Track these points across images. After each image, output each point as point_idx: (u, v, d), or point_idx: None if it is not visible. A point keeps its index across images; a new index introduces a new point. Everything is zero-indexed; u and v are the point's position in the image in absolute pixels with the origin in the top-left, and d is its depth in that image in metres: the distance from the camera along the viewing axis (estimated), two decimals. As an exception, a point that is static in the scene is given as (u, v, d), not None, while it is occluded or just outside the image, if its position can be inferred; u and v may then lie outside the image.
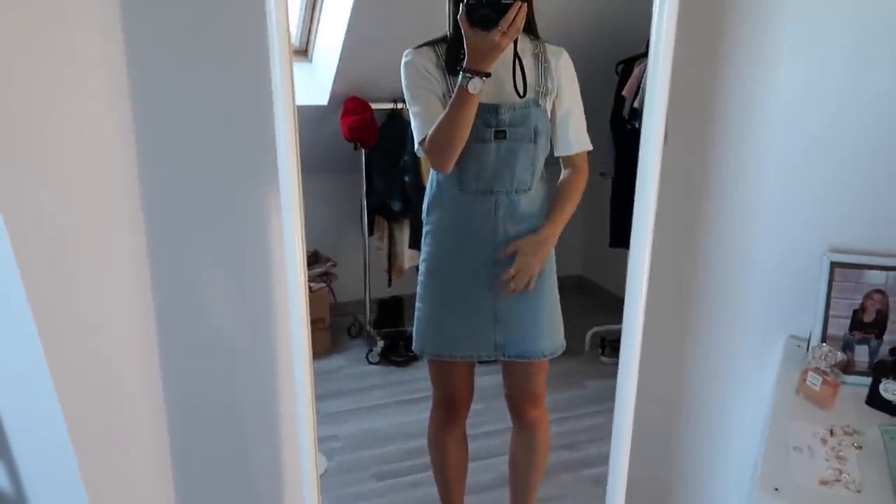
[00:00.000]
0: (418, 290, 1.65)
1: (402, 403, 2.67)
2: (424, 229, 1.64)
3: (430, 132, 1.45)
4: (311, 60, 2.58)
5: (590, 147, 1.58)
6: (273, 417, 1.34)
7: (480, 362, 1.73)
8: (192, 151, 1.00)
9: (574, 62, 1.55)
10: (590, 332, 3.10)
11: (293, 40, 2.33)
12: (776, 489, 0.90)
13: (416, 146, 1.53)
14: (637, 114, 2.60)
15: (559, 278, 1.65)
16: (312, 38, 2.51)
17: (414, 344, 1.66)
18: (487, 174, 1.51)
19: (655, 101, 0.96)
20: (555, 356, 1.64)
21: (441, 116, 1.42)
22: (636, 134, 3.06)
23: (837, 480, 0.90)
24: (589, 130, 1.61)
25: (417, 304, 1.64)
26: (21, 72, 0.79)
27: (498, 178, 1.51)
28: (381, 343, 2.91)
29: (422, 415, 2.18)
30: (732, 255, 1.29)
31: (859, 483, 0.90)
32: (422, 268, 1.65)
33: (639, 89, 2.60)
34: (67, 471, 0.93)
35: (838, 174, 1.13)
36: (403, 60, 1.49)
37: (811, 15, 1.12)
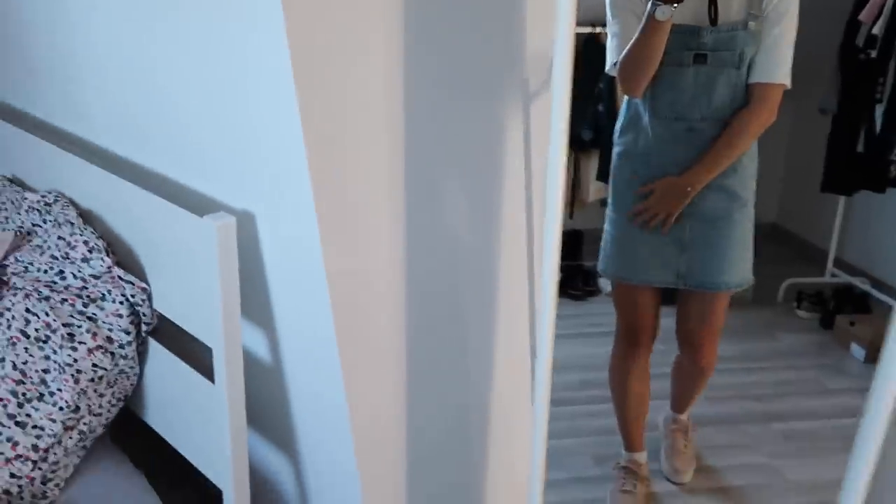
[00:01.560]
0: (607, 212, 1.64)
1: (579, 336, 2.67)
2: (615, 150, 1.62)
3: (621, 56, 1.41)
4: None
5: (788, 84, 1.44)
6: (491, 341, 1.40)
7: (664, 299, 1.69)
8: (451, 76, 1.04)
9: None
10: (784, 284, 2.89)
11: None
12: None
13: (608, 66, 1.51)
14: (875, 41, 2.29)
15: (761, 225, 1.59)
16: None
17: (599, 264, 1.67)
18: (683, 100, 1.44)
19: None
20: (739, 289, 1.57)
21: (635, 38, 1.37)
22: (871, 66, 2.73)
23: None
24: (811, 61, 1.46)
25: (606, 227, 1.64)
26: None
27: (694, 105, 1.44)
28: (558, 276, 2.92)
29: (599, 349, 2.17)
30: None
31: None
32: (611, 190, 1.64)
33: (880, 13, 2.29)
34: (326, 335, 1.04)
35: None
36: None
37: None
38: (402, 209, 1.05)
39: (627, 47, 1.40)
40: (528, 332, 1.38)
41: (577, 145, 2.91)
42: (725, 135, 1.44)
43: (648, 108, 1.50)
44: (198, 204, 1.11)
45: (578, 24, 2.50)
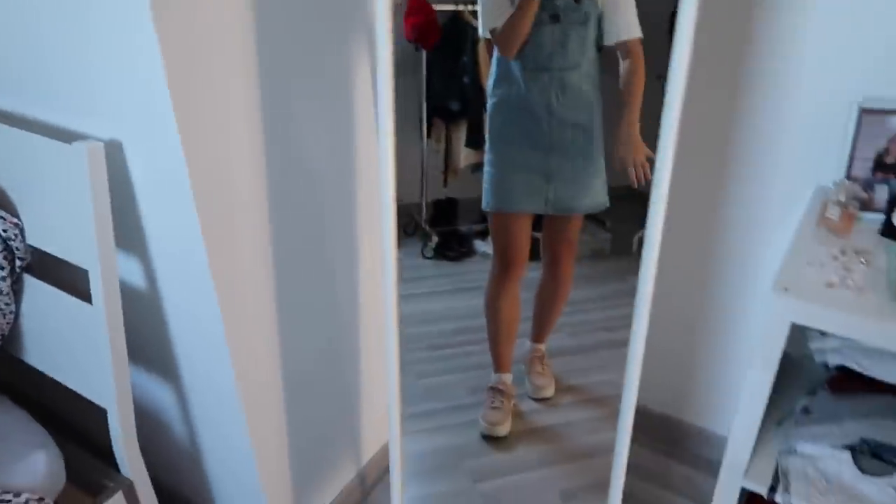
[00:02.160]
0: (486, 156, 1.88)
1: (455, 291, 2.87)
2: (489, 102, 1.85)
3: (500, 25, 1.69)
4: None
5: (639, 33, 1.71)
6: (355, 261, 1.54)
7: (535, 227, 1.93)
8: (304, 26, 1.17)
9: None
10: (637, 236, 3.21)
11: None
12: (786, 289, 1.04)
13: (481, 32, 1.76)
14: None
15: (611, 187, 1.82)
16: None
17: (483, 204, 1.90)
18: (544, 53, 1.70)
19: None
20: (597, 211, 1.86)
21: (512, 12, 1.65)
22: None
23: (842, 284, 1.03)
24: (647, 33, 1.73)
25: (485, 168, 1.87)
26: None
27: (553, 56, 1.70)
28: (435, 239, 3.09)
29: (472, 301, 2.37)
30: (767, 110, 1.39)
31: (860, 286, 1.02)
32: (488, 136, 1.87)
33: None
34: (198, 260, 1.14)
35: (872, 32, 1.21)
36: None
37: None
38: (261, 135, 1.17)
39: (508, 20, 1.67)
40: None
41: (447, 117, 3.08)
42: (627, 82, 1.69)
43: (518, 62, 1.74)
44: (65, 138, 1.18)
45: (443, 1, 2.69)
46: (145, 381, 1.46)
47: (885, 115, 1.16)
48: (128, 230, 1.21)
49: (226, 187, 1.14)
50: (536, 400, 2.11)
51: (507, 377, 2.05)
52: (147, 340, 1.36)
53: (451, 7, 2.98)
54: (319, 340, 1.51)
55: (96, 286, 1.13)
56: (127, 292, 1.22)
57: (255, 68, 1.12)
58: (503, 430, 1.97)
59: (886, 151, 1.17)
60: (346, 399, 1.68)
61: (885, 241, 1.13)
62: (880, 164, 1.18)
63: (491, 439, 1.97)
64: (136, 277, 1.28)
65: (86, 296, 1.16)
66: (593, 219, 2.63)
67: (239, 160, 1.15)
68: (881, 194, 1.18)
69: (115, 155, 1.12)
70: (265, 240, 1.25)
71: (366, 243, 1.56)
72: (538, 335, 2.17)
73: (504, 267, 1.95)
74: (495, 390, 2.02)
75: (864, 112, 1.17)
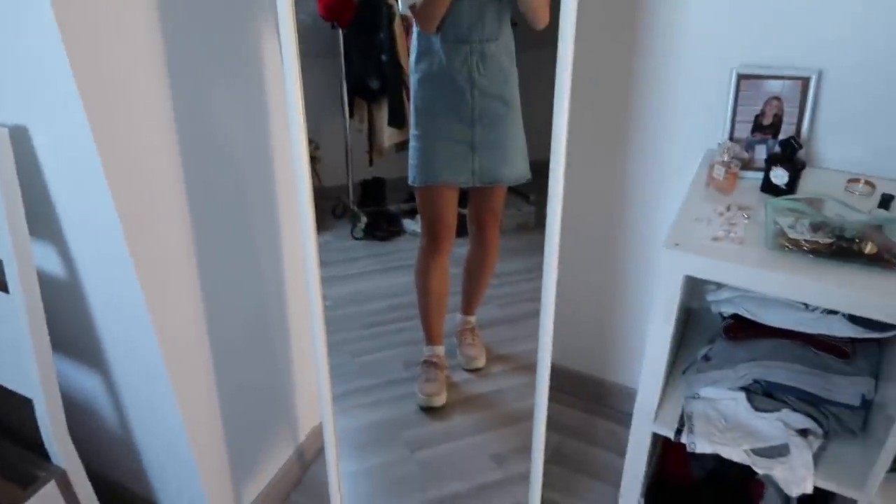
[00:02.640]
0: (411, 131, 1.93)
1: (386, 270, 2.91)
2: (413, 78, 1.91)
3: (418, 1, 1.73)
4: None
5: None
6: (278, 243, 1.56)
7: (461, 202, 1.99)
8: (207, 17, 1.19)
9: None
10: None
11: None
12: (677, 244, 1.13)
13: (400, 7, 1.88)
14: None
15: (533, 161, 1.86)
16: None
17: (409, 179, 1.94)
18: (464, 26, 1.76)
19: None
20: (520, 183, 1.92)
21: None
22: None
23: (726, 237, 1.13)
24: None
25: (411, 143, 1.92)
26: None
27: (472, 29, 1.76)
28: (364, 220, 3.11)
29: (403, 279, 2.43)
30: (657, 78, 1.49)
31: (742, 238, 1.13)
32: (413, 111, 1.93)
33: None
34: (116, 244, 1.15)
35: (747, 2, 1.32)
36: None
37: None
38: (172, 115, 1.18)
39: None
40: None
41: (368, 96, 3.09)
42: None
43: (439, 36, 1.79)
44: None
45: (358, -20, 2.68)
46: (71, 369, 1.46)
47: (760, 80, 1.27)
48: (41, 217, 1.20)
49: (138, 168, 1.15)
50: (469, 371, 2.18)
51: (440, 349, 2.12)
52: (70, 328, 1.36)
53: (366, -13, 2.98)
54: (247, 321, 1.53)
55: (12, 275, 1.12)
56: (45, 280, 1.21)
57: (161, 47, 1.13)
58: (439, 400, 2.04)
59: (763, 114, 1.28)
60: (278, 378, 1.72)
61: (765, 196, 1.24)
62: (758, 126, 1.29)
63: (428, 410, 2.04)
64: (54, 265, 1.27)
65: (2, 286, 1.15)
66: (517, 192, 2.71)
67: (151, 142, 1.16)
68: (760, 154, 1.30)
69: (21, 140, 1.11)
70: (185, 221, 1.27)
71: (288, 225, 1.58)
72: (468, 307, 2.25)
73: (432, 241, 2.01)
74: (429, 363, 2.09)
75: (742, 77, 1.27)
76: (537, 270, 3.10)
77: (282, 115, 1.46)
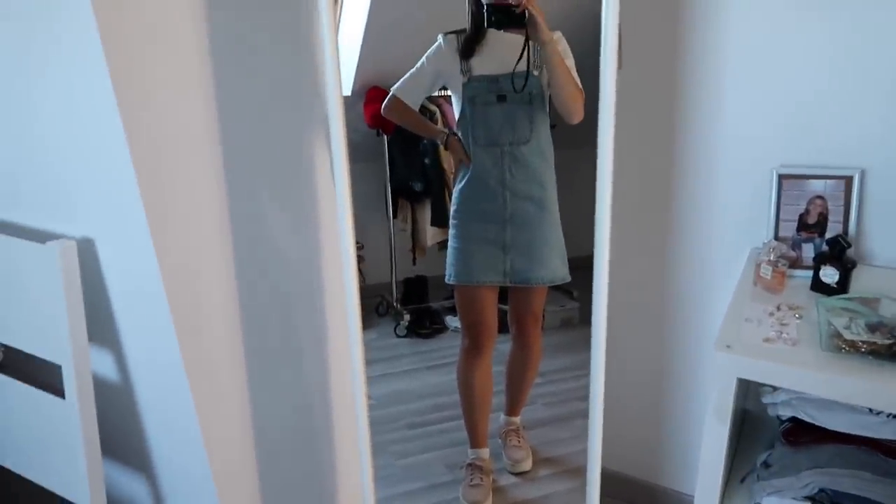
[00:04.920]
0: (450, 231, 1.99)
1: (430, 368, 2.89)
2: (454, 180, 2.01)
3: (408, 102, 1.88)
4: (335, 55, 2.85)
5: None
6: (323, 344, 1.58)
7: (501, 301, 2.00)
8: (261, 120, 1.27)
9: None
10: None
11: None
12: (728, 346, 1.10)
13: (393, 88, 1.90)
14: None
15: (571, 258, 1.89)
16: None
17: (446, 277, 1.98)
18: (494, 130, 1.83)
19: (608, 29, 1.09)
20: (553, 284, 1.93)
21: (415, 118, 1.95)
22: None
23: (778, 339, 1.10)
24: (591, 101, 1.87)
25: (449, 243, 1.98)
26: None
27: (502, 133, 1.83)
28: (407, 317, 3.12)
29: (447, 377, 2.41)
30: (698, 180, 1.50)
31: (796, 340, 1.10)
32: (453, 213, 2.00)
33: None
34: (170, 350, 1.18)
35: (789, 103, 1.34)
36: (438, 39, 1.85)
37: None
38: (229, 226, 1.24)
39: (415, 118, 1.93)
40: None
41: (412, 197, 3.18)
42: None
43: (471, 139, 1.86)
44: (39, 238, 1.23)
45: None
46: (117, 474, 1.46)
47: (802, 180, 1.27)
48: (100, 324, 1.25)
49: (195, 280, 1.20)
50: (515, 474, 2.11)
51: (485, 452, 2.06)
52: (119, 433, 1.38)
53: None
54: (292, 423, 1.53)
55: (69, 381, 1.16)
56: (100, 385, 1.24)
57: (220, 160, 1.20)
58: (485, 506, 1.95)
59: (807, 213, 1.27)
60: (322, 481, 1.69)
61: (816, 295, 1.22)
62: (803, 225, 1.28)
63: (473, 517, 1.97)
64: (109, 370, 1.31)
65: (58, 391, 1.18)
66: (561, 289, 2.71)
67: (208, 252, 1.22)
68: (808, 252, 1.28)
69: (87, 252, 1.18)
70: (235, 325, 1.30)
71: (333, 324, 1.60)
72: (512, 408, 2.20)
73: (473, 340, 2.00)
74: (473, 466, 2.03)
75: (783, 178, 1.28)
76: (583, 368, 3.02)
77: (330, 219, 1.51)
